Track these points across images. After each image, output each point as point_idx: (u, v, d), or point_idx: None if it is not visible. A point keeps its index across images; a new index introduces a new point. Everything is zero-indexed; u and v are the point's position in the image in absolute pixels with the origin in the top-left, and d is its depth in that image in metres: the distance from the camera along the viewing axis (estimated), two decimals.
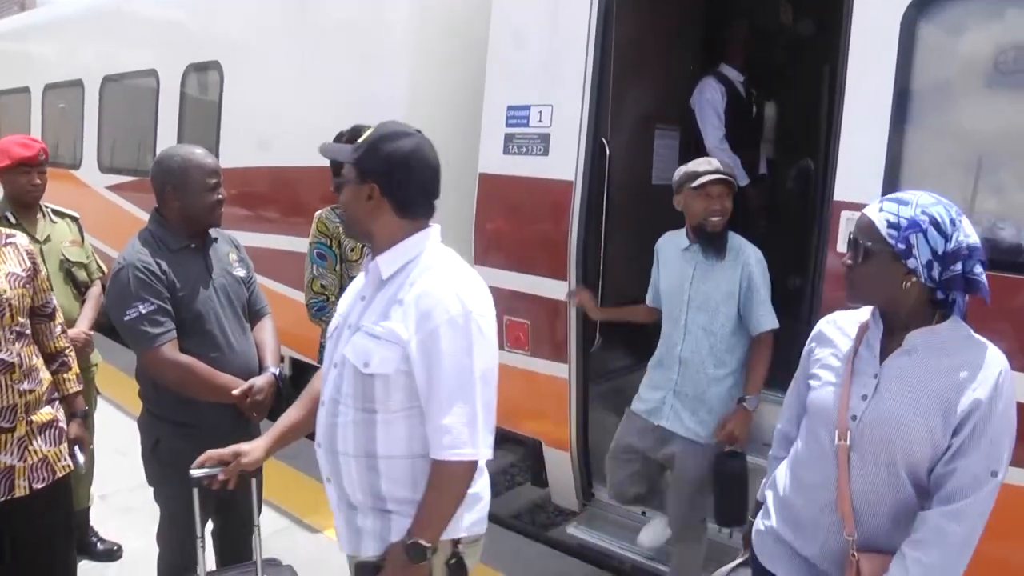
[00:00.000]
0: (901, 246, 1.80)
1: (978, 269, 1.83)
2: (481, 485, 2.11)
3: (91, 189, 7.79)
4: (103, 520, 4.15)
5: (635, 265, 4.46)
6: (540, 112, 3.94)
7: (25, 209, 3.62)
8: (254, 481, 2.63)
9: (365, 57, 4.91)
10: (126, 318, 2.58)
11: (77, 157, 8.01)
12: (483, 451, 1.89)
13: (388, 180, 1.96)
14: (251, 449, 2.32)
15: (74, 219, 3.90)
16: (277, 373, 2.86)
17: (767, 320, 3.27)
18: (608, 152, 3.88)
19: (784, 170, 5.76)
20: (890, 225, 1.81)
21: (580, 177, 3.81)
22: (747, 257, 3.29)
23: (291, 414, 2.35)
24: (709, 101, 4.52)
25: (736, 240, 3.36)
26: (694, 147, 4.74)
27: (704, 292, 3.31)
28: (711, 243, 3.31)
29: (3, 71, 9.50)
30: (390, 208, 1.98)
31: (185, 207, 2.72)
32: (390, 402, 1.92)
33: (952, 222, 1.80)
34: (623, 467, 3.58)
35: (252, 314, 2.95)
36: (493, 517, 4.80)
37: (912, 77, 2.96)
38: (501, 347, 4.13)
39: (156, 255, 2.66)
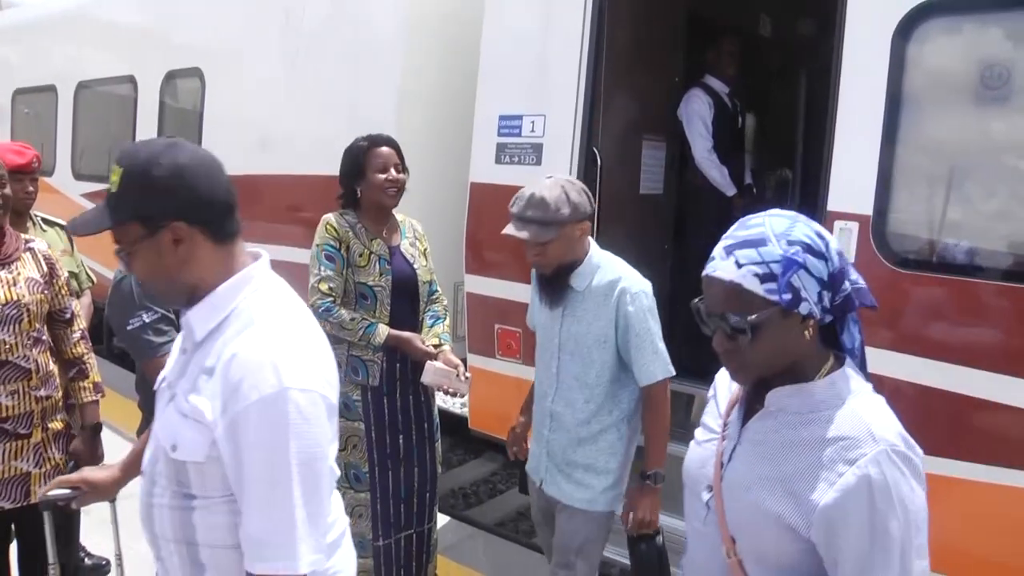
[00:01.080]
0: (787, 296, 1.40)
1: (854, 275, 1.50)
2: (338, 560, 1.74)
3: (64, 196, 7.69)
4: (88, 534, 4.09)
5: None
6: (532, 122, 3.98)
7: (16, 217, 3.57)
8: (47, 516, 2.31)
9: (352, 64, 4.91)
10: (129, 327, 2.57)
11: (50, 163, 7.90)
12: (305, 560, 1.48)
13: (190, 205, 1.51)
14: (100, 480, 2.07)
15: (63, 227, 3.86)
16: None
17: (654, 369, 2.76)
18: (599, 162, 3.92)
19: (763, 179, 5.87)
20: (762, 279, 1.39)
21: None
22: (622, 292, 2.72)
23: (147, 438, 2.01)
24: (697, 112, 4.58)
25: (611, 270, 2.78)
26: (679, 157, 4.82)
27: (576, 335, 2.75)
28: (540, 286, 2.85)
29: None
30: (206, 239, 1.55)
31: None
32: (207, 488, 1.54)
33: (819, 235, 1.44)
34: (544, 533, 3.12)
35: None
36: (478, 524, 4.88)
37: (902, 91, 3.05)
38: (492, 355, 4.21)
39: None
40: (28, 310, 2.64)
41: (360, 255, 3.13)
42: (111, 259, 5.23)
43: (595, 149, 3.89)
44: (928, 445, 2.98)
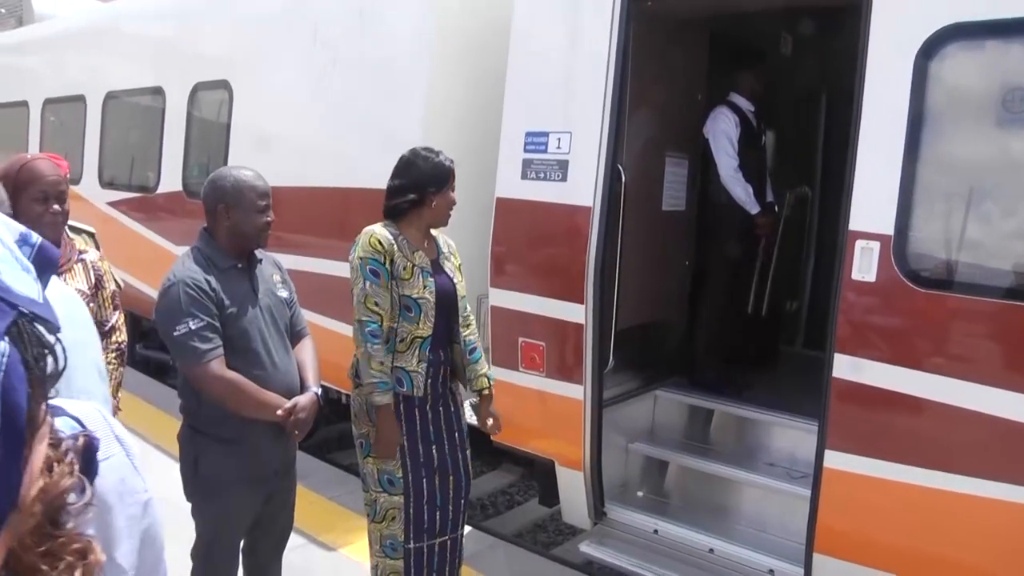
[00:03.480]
0: None
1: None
2: None
3: (90, 204, 7.81)
4: None
5: (647, 289, 4.58)
6: (559, 139, 4.04)
7: None
8: None
9: (380, 77, 4.99)
10: (176, 333, 2.64)
11: (77, 172, 8.02)
12: None
13: None
14: None
15: (91, 235, 3.90)
16: (319, 392, 2.92)
17: None
18: (623, 178, 3.98)
19: (783, 197, 5.91)
20: None
21: (598, 203, 3.91)
22: None
23: None
24: (724, 130, 4.63)
25: None
26: (702, 174, 4.88)
27: None
28: None
29: (1, 85, 9.51)
30: None
31: (235, 226, 2.81)
32: None
33: None
34: None
35: (293, 335, 3.02)
36: (497, 535, 4.92)
37: (924, 113, 3.09)
38: (516, 368, 4.26)
39: (206, 272, 2.73)
40: None
41: (404, 268, 3.15)
42: (141, 271, 5.32)
43: (619, 166, 3.95)
44: (946, 463, 3.04)
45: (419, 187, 3.21)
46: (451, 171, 3.25)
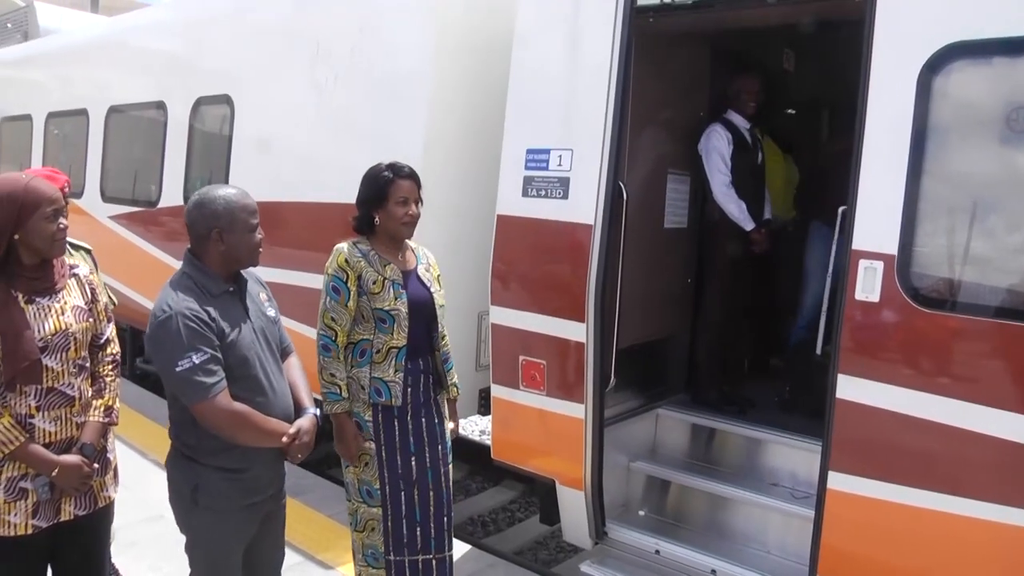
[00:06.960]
0: None
1: None
2: None
3: (92, 218, 7.81)
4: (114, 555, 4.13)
5: (649, 307, 4.56)
6: (560, 156, 4.02)
7: None
8: None
9: (381, 94, 4.98)
10: (179, 368, 2.51)
11: (79, 186, 8.03)
12: None
13: None
14: None
15: (88, 251, 3.89)
16: (317, 414, 2.88)
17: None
18: (625, 195, 3.95)
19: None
20: None
21: (600, 220, 3.89)
22: None
23: None
24: (716, 148, 4.62)
25: None
26: (703, 192, 4.86)
27: None
28: None
29: (5, 99, 9.55)
30: None
31: (231, 249, 2.71)
32: None
33: None
34: None
35: (280, 352, 2.95)
36: (497, 553, 4.88)
37: (928, 131, 3.07)
38: (516, 386, 4.23)
39: (202, 302, 2.61)
40: (75, 338, 2.67)
41: (374, 282, 3.20)
42: (142, 285, 5.31)
43: (621, 183, 3.93)
44: (950, 485, 3.00)
45: (362, 209, 3.29)
46: (385, 185, 3.22)
